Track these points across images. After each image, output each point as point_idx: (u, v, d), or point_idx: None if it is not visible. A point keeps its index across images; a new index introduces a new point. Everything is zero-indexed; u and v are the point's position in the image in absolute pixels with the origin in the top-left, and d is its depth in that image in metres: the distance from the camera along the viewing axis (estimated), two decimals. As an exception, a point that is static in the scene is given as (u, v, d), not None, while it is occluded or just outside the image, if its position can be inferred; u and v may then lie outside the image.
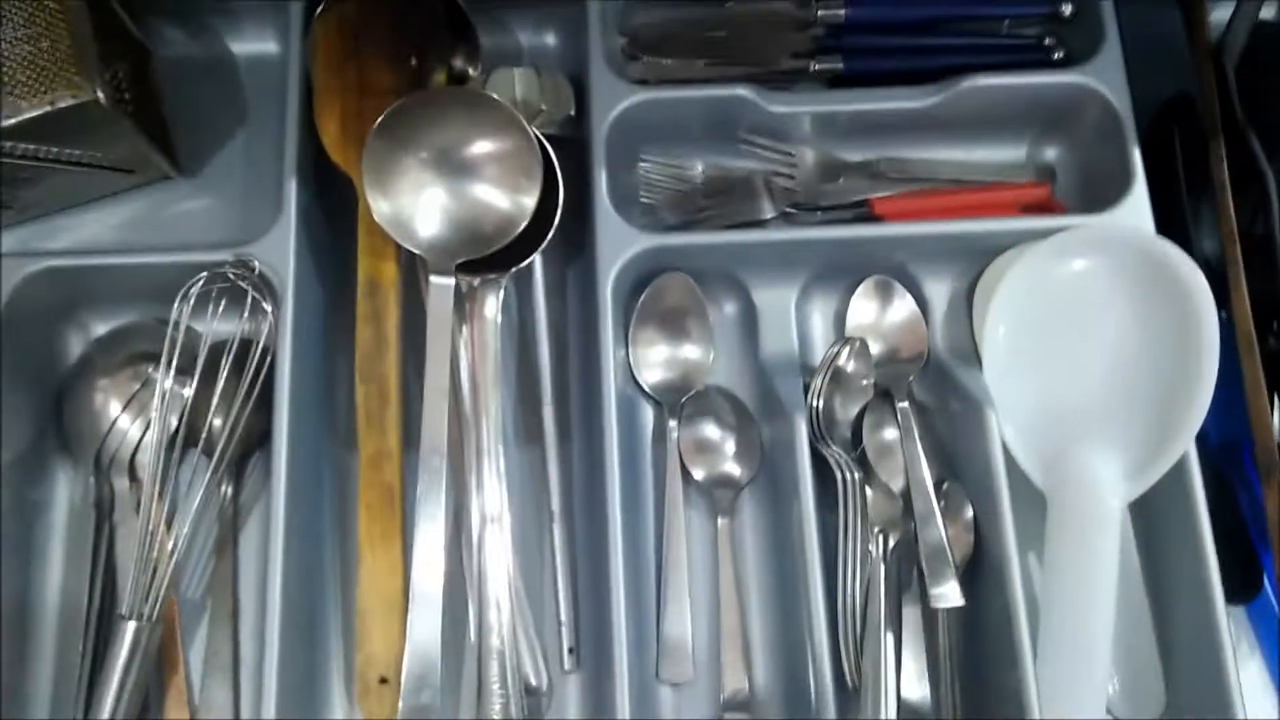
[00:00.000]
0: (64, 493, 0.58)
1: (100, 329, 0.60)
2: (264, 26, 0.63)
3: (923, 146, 0.63)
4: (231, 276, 0.55)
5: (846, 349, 0.58)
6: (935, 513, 0.55)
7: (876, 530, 0.56)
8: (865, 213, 0.61)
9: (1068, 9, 0.63)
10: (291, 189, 0.57)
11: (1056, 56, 0.63)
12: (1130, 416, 0.54)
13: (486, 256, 0.55)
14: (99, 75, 0.53)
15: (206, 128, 0.64)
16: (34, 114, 0.53)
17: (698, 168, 0.63)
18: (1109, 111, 0.60)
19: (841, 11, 0.63)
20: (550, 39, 0.66)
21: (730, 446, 0.59)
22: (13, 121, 0.52)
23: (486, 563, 0.55)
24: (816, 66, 0.63)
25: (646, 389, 0.60)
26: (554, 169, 0.56)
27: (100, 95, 0.53)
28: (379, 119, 0.54)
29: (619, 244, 0.57)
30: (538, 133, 0.55)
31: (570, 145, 0.60)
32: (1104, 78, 0.60)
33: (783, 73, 0.64)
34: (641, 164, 0.62)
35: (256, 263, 0.56)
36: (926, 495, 0.55)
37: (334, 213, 0.60)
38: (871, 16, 0.64)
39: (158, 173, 0.61)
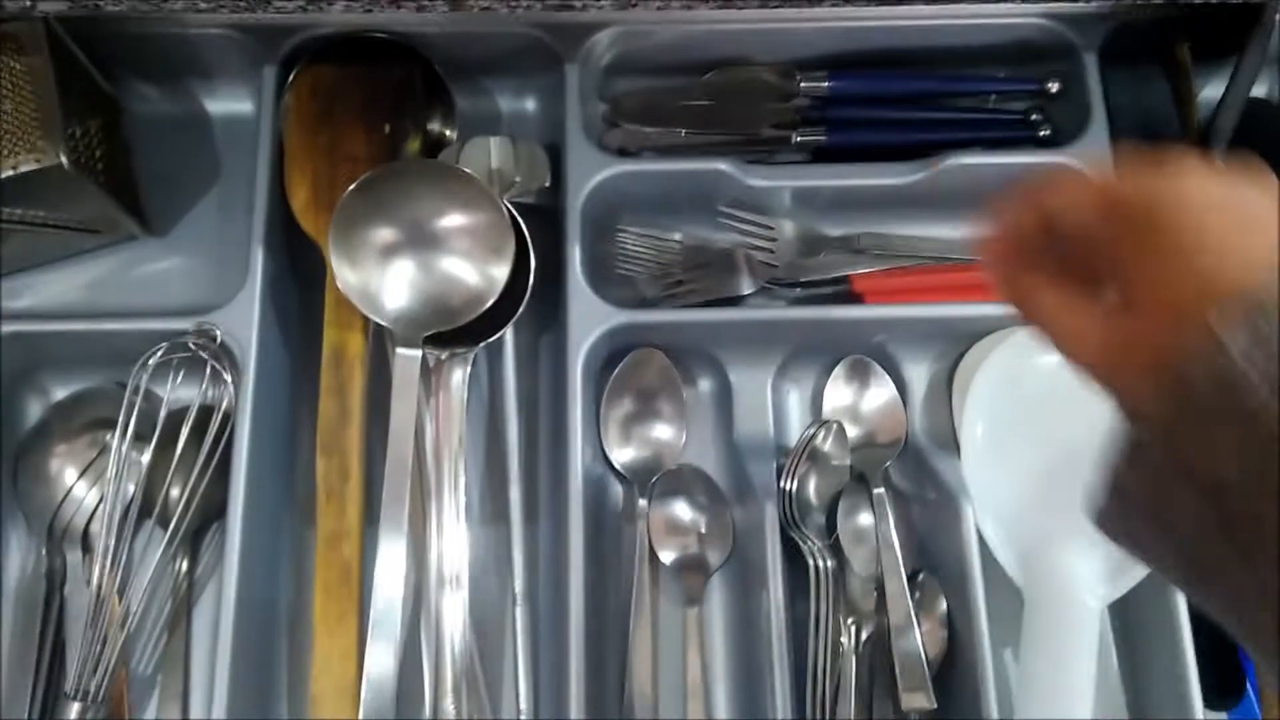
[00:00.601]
0: (15, 561, 0.56)
1: (60, 393, 0.59)
2: (239, 86, 0.62)
3: (905, 223, 0.62)
4: (192, 347, 0.54)
5: (823, 431, 0.56)
6: (909, 610, 0.53)
7: (849, 621, 0.55)
8: (845, 290, 0.60)
9: (1054, 86, 0.62)
10: (258, 257, 0.56)
11: (1043, 134, 0.62)
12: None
13: (455, 329, 0.54)
14: (63, 138, 0.52)
15: (178, 186, 0.62)
16: (-4, 177, 0.52)
17: (676, 239, 0.62)
18: (1094, 194, 0.58)
19: (825, 84, 0.62)
20: (529, 105, 0.65)
21: (701, 529, 0.57)
22: (-27, 187, 0.51)
23: (445, 646, 0.53)
24: (799, 138, 0.62)
25: (617, 467, 0.58)
26: (526, 242, 0.55)
27: (64, 159, 0.52)
28: (348, 189, 0.53)
29: (591, 319, 0.56)
30: (510, 205, 0.54)
31: (545, 214, 0.59)
32: (1089, 158, 0.59)
33: (765, 143, 0.63)
34: (618, 235, 0.61)
35: (218, 332, 0.55)
36: (901, 590, 0.54)
37: (304, 278, 0.59)
38: (855, 89, 0.63)
39: (125, 232, 0.60)
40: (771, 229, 0.61)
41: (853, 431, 0.58)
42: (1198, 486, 0.28)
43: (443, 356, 0.55)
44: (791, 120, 0.62)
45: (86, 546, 0.56)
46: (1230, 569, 0.28)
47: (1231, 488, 0.27)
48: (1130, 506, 0.31)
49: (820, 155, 0.62)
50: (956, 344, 0.58)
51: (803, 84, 0.62)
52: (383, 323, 0.54)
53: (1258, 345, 0.26)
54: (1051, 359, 0.53)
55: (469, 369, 0.56)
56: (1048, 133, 0.62)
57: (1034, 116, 0.62)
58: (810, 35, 0.61)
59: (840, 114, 0.62)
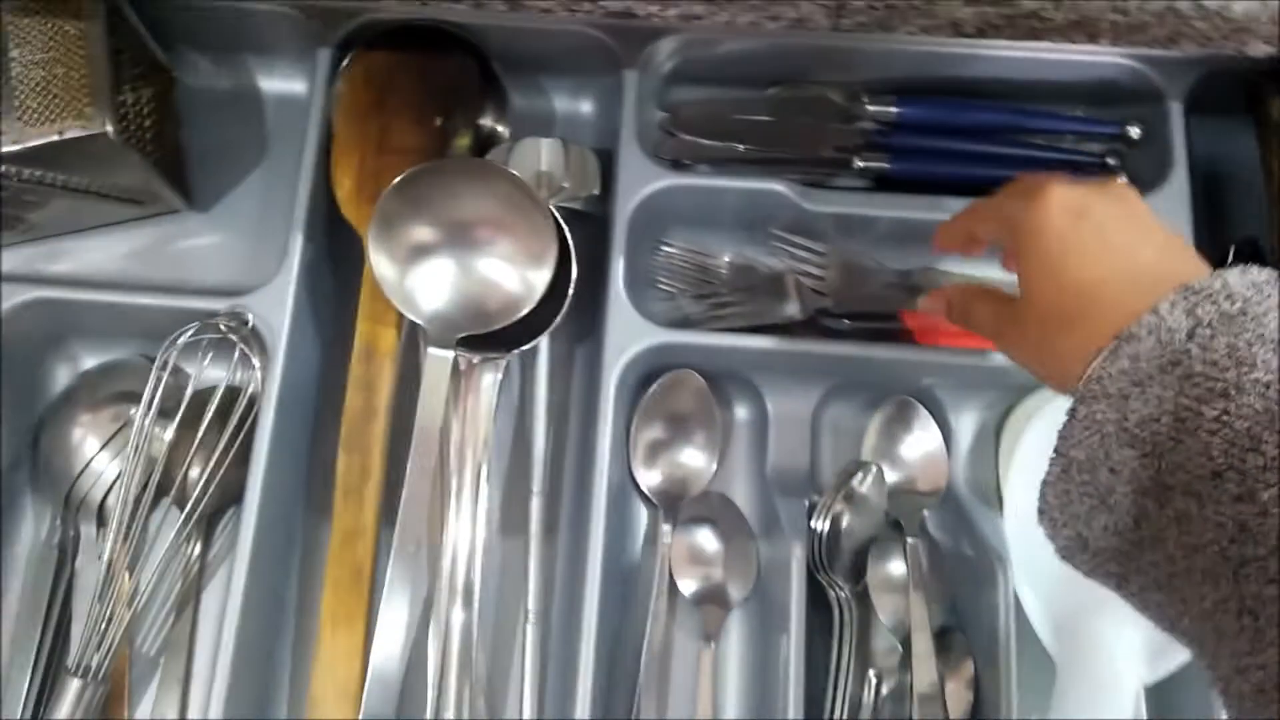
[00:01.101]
0: (29, 529, 0.56)
1: (90, 362, 0.58)
2: (294, 66, 0.61)
3: (965, 262, 0.59)
4: (223, 329, 0.53)
5: (861, 472, 0.54)
6: (933, 669, 0.51)
7: (870, 674, 0.52)
8: (896, 326, 0.57)
9: (1136, 132, 0.59)
10: (297, 242, 0.55)
11: (1120, 181, 0.59)
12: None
13: (490, 333, 0.53)
14: (111, 106, 0.52)
15: (225, 163, 0.62)
16: (41, 141, 0.51)
17: (723, 258, 0.60)
18: (1169, 249, 0.55)
19: (893, 109, 0.60)
20: (585, 108, 0.63)
21: (724, 562, 0.55)
22: (19, 147, 0.51)
23: (451, 658, 0.52)
24: (862, 163, 0.59)
25: (643, 489, 0.56)
26: (569, 249, 0.53)
27: (110, 128, 0.51)
28: (393, 182, 0.52)
29: (629, 335, 0.54)
30: (556, 212, 0.53)
31: (590, 222, 0.57)
32: (1168, 210, 0.56)
33: (824, 165, 0.60)
34: (664, 249, 0.59)
35: (250, 316, 0.54)
36: (928, 646, 0.51)
37: (341, 267, 0.58)
38: (925, 117, 0.60)
39: (167, 206, 0.59)
40: (824, 255, 0.59)
41: (892, 476, 0.56)
42: (1135, 443, 0.33)
43: (475, 360, 0.54)
44: (854, 144, 0.60)
45: (101, 520, 0.55)
46: (1159, 540, 0.32)
47: (1164, 439, 0.32)
48: (1073, 483, 0.35)
49: (881, 183, 0.60)
50: (1007, 395, 0.56)
51: (869, 107, 0.60)
52: (417, 321, 0.52)
53: (1197, 323, 0.32)
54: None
55: (500, 375, 0.54)
56: (1124, 180, 0.59)
57: (1111, 161, 0.60)
58: (880, 57, 0.59)
59: (906, 141, 0.60)
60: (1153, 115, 0.58)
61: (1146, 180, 0.58)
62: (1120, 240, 0.37)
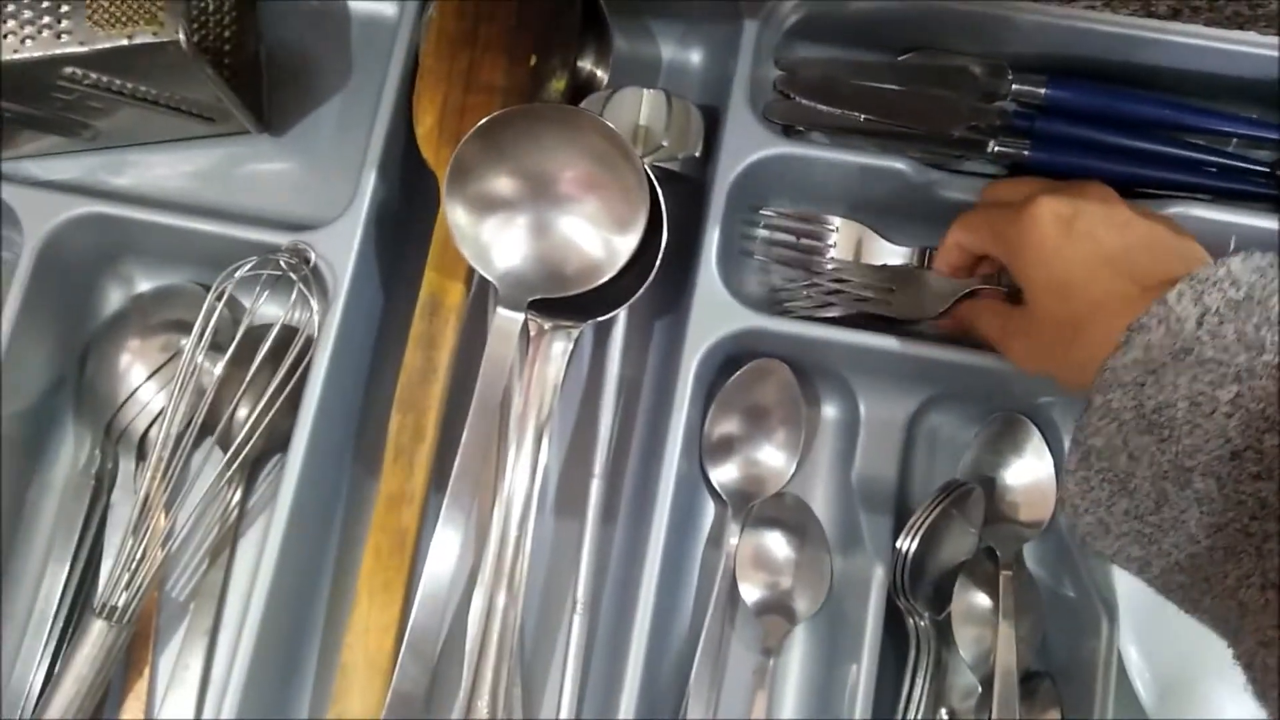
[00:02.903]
0: (68, 453, 0.53)
1: (145, 285, 0.55)
2: (386, -17, 0.57)
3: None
4: (284, 266, 0.50)
5: (957, 494, 0.49)
6: (1015, 715, 0.46)
7: (942, 712, 0.48)
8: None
9: (1317, 141, 0.52)
10: (369, 180, 0.51)
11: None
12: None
13: (565, 298, 0.48)
14: (184, 14, 0.48)
15: (305, 85, 0.58)
16: (109, 45, 0.47)
17: (833, 223, 0.54)
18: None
19: (1042, 90, 0.53)
20: (694, 59, 0.57)
21: (794, 572, 0.51)
22: (86, 49, 0.47)
23: (490, 641, 0.48)
24: (998, 147, 0.53)
25: (714, 484, 0.52)
26: (661, 215, 0.48)
27: (181, 37, 0.47)
28: (475, 126, 0.47)
29: (717, 316, 0.49)
30: (650, 171, 0.48)
31: (686, 185, 0.52)
32: (1345, 234, 0.49)
33: (955, 145, 0.54)
34: (765, 216, 0.54)
35: (312, 254, 0.50)
36: (1011, 692, 0.46)
37: (414, 211, 0.53)
38: (1075, 102, 0.53)
39: (239, 126, 0.56)
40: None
41: (991, 500, 0.50)
42: (1152, 429, 0.33)
43: (546, 326, 0.50)
44: (992, 125, 0.53)
45: (142, 454, 0.52)
46: (1180, 522, 0.33)
47: (1180, 424, 0.33)
48: (1092, 470, 0.36)
49: (1015, 170, 0.54)
50: (1135, 423, 0.50)
51: (1015, 85, 0.53)
52: (489, 277, 0.48)
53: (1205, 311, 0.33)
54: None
55: (571, 345, 0.50)
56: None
57: (1280, 171, 0.52)
58: (1028, 29, 0.52)
59: (1050, 127, 0.53)
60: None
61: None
62: (1114, 242, 0.39)
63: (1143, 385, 0.34)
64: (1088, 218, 0.40)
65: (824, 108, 0.54)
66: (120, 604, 0.48)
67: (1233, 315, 0.33)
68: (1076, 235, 0.39)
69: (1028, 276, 0.41)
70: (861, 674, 0.47)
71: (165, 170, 0.56)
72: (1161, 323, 0.34)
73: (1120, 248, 0.39)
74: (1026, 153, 0.53)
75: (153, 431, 0.52)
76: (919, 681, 0.48)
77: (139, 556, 0.49)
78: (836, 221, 0.54)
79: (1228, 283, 0.34)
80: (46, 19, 0.47)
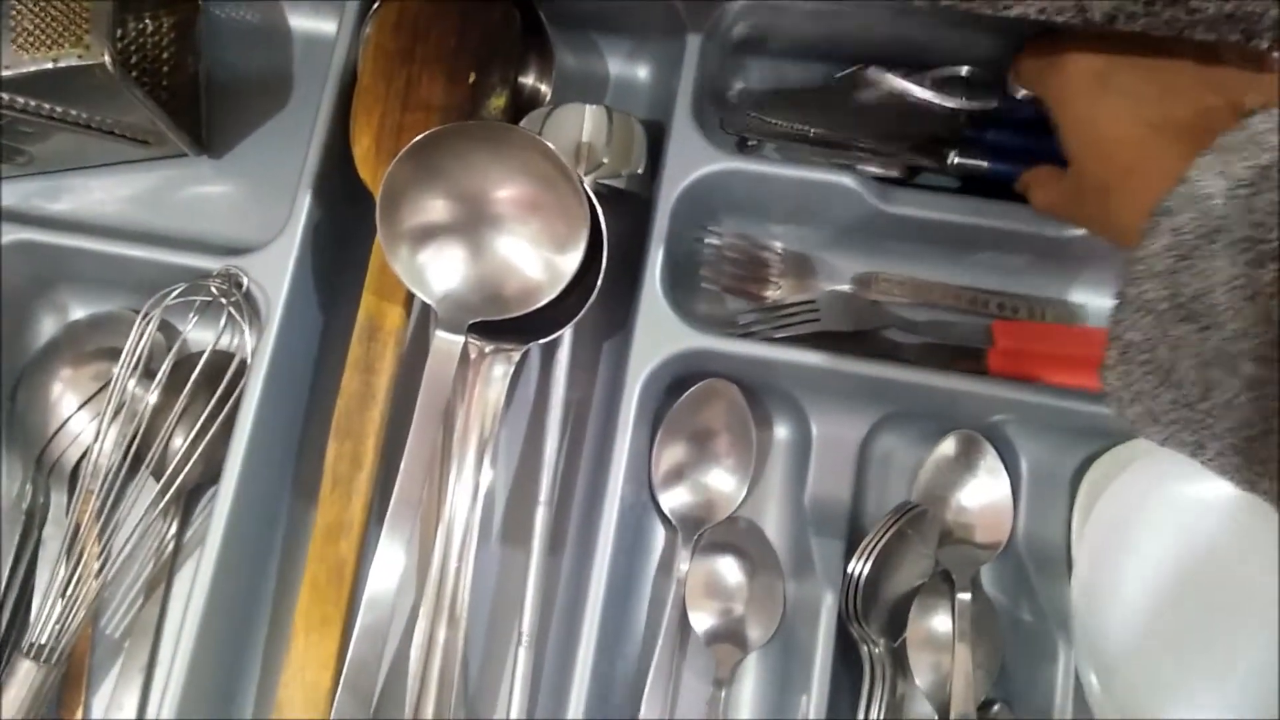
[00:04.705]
0: (2, 488, 0.52)
1: (79, 312, 0.54)
2: (325, 2, 0.56)
3: (1063, 284, 0.52)
4: (214, 291, 0.48)
5: (910, 515, 0.47)
6: (973, 749, 0.45)
7: (899, 744, 0.46)
8: (980, 347, 0.50)
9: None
10: (304, 202, 0.50)
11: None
12: (1242, 690, 0.43)
13: (506, 320, 0.47)
14: (110, 36, 0.47)
15: (245, 105, 0.57)
16: (34, 68, 0.46)
17: (777, 250, 0.53)
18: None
19: (994, 103, 0.52)
20: (639, 74, 0.56)
21: (746, 599, 0.49)
22: (10, 73, 0.46)
23: (431, 677, 0.47)
24: (957, 159, 0.52)
25: (662, 508, 0.50)
26: (601, 234, 0.47)
27: (107, 59, 0.46)
28: (409, 144, 0.46)
29: (662, 336, 0.48)
30: (591, 191, 0.46)
31: (630, 203, 0.51)
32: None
33: (917, 154, 0.53)
34: (709, 238, 0.53)
35: (245, 279, 0.49)
36: (968, 718, 0.45)
37: (351, 233, 0.52)
38: (1038, 111, 0.52)
39: (177, 149, 0.55)
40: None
41: (946, 522, 0.49)
42: (1192, 317, 0.31)
43: (486, 349, 0.48)
44: (948, 136, 0.52)
45: (74, 486, 0.51)
46: (1231, 407, 0.31)
47: (1221, 310, 0.30)
48: (1133, 364, 0.33)
49: (968, 185, 0.53)
50: (1091, 441, 0.48)
51: (966, 100, 0.52)
52: (426, 300, 0.47)
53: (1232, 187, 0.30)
54: (1197, 490, 0.44)
55: (513, 368, 0.48)
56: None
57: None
58: (985, 36, 0.51)
59: (1008, 140, 0.52)
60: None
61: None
62: (1148, 94, 0.37)
63: (1176, 273, 0.31)
64: (1120, 71, 0.38)
65: (772, 120, 0.53)
66: (49, 643, 0.46)
67: (1265, 183, 0.29)
68: (1109, 90, 0.38)
69: (1065, 136, 0.40)
70: (813, 703, 0.45)
71: (102, 195, 0.55)
72: (1187, 202, 0.31)
73: (1154, 100, 0.37)
74: (985, 164, 0.52)
75: (85, 463, 0.50)
76: (873, 711, 0.46)
77: (68, 593, 0.47)
78: (779, 245, 0.53)
79: (1252, 146, 0.30)
80: (-33, 44, 0.46)
